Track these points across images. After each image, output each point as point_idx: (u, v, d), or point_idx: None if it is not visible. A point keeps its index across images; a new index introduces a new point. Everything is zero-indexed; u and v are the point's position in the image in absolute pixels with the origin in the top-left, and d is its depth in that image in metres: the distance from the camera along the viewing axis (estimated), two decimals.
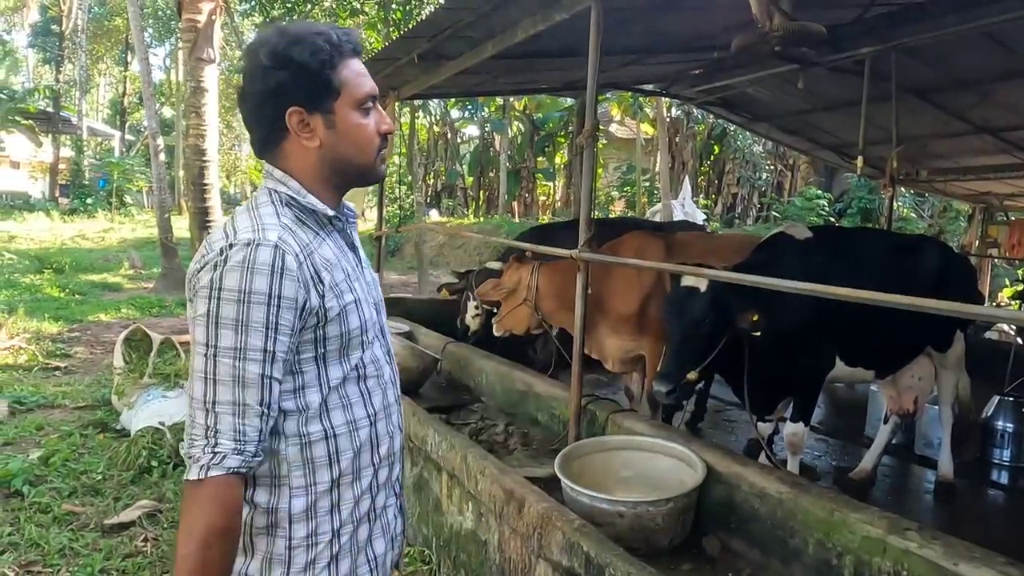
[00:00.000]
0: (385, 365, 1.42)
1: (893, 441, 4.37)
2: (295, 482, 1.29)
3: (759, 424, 3.55)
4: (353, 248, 1.41)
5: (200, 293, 1.19)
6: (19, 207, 26.06)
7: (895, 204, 7.37)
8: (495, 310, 4.60)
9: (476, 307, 5.01)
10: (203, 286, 1.19)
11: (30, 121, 27.71)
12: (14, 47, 33.96)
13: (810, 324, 3.27)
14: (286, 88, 1.27)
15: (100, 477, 4.25)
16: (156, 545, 3.51)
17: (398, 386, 1.49)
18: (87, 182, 28.17)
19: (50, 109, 29.24)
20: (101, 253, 16.85)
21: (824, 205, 14.50)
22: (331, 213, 1.34)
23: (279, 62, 1.27)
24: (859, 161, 4.82)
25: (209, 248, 1.22)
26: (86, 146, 30.26)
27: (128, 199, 27.89)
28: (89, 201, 26.33)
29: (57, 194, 30.30)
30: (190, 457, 1.18)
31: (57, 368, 7.01)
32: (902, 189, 11.63)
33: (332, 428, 1.31)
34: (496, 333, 4.49)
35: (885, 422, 4.23)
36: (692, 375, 3.01)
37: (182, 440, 4.44)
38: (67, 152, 31.06)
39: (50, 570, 3.27)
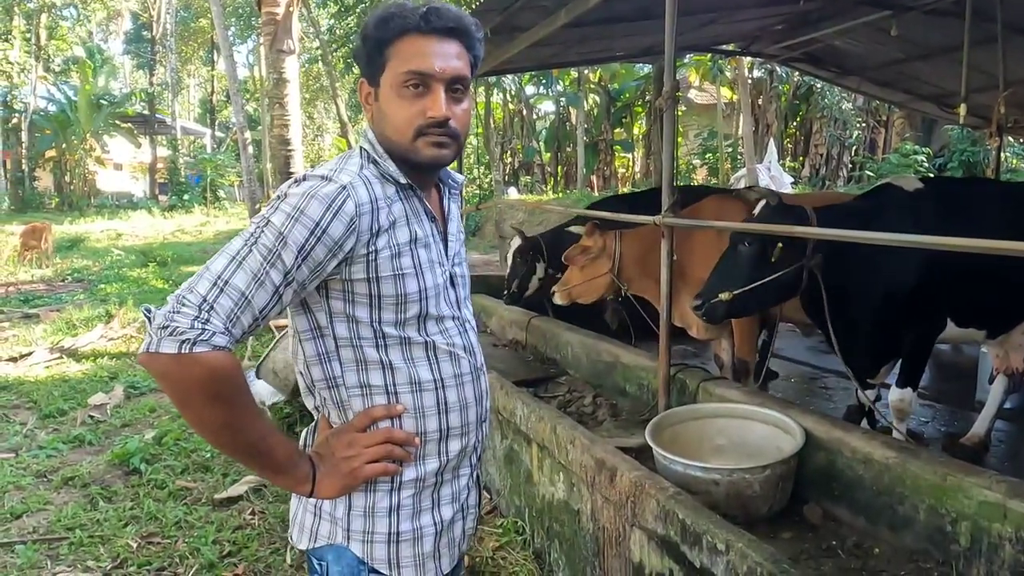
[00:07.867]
0: (457, 336, 1.42)
1: (1010, 405, 4.10)
2: None
3: (861, 389, 3.39)
4: (433, 219, 1.39)
5: (271, 203, 1.25)
6: (123, 206, 27.64)
7: (1003, 154, 6.87)
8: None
9: (545, 270, 4.98)
10: (273, 199, 1.26)
11: (129, 124, 29.42)
12: (111, 55, 35.83)
13: (919, 281, 3.08)
14: (357, 59, 1.35)
15: (208, 455, 4.48)
16: (263, 518, 3.67)
17: (478, 360, 1.47)
18: (183, 179, 29.64)
19: (146, 112, 30.88)
20: (199, 246, 17.67)
21: (923, 160, 13.67)
22: (403, 180, 1.34)
23: (360, 33, 1.34)
24: (961, 110, 4.52)
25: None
26: (180, 145, 31.83)
27: (221, 193, 29.14)
28: (186, 197, 27.74)
29: (156, 192, 32.03)
30: (166, 327, 1.11)
31: None
32: (1010, 138, 10.88)
33: (394, 385, 1.34)
34: (559, 302, 4.36)
35: (990, 383, 3.97)
36: (725, 295, 3.04)
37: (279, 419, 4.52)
38: (163, 152, 32.73)
39: (168, 541, 3.48)
